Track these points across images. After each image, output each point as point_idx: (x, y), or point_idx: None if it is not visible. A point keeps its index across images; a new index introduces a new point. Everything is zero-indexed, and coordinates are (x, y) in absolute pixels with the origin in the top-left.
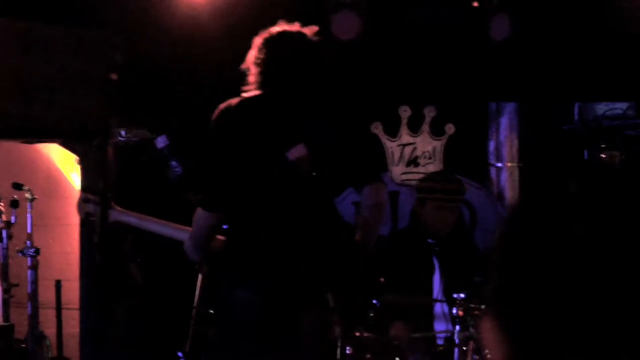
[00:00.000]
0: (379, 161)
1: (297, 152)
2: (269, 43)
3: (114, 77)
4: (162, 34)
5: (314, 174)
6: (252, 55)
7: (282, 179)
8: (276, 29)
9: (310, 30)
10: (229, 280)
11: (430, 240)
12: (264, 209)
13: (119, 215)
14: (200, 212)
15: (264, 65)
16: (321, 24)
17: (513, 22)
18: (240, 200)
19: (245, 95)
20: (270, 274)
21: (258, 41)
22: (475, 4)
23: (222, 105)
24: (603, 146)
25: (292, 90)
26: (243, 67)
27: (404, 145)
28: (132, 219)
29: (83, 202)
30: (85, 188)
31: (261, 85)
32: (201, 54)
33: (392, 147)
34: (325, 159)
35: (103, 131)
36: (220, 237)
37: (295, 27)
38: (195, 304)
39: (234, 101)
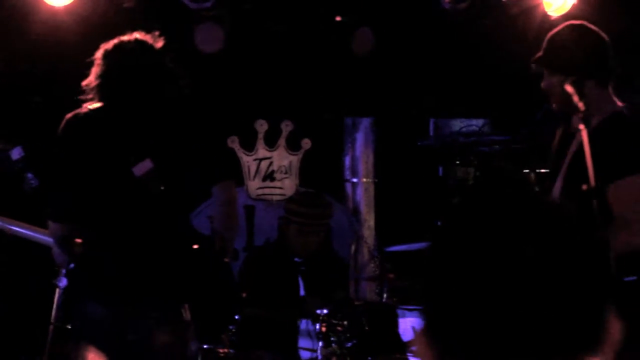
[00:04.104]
0: (235, 174)
1: (143, 167)
2: (107, 54)
3: None
4: (18, 41)
5: (162, 188)
6: (94, 68)
7: (129, 193)
8: (114, 41)
9: (152, 37)
10: (81, 294)
11: (296, 259)
12: (112, 224)
13: None
14: (49, 223)
15: (103, 76)
16: (184, 35)
17: (374, 37)
18: (88, 213)
19: (89, 106)
20: (119, 290)
21: (98, 54)
22: (338, 18)
23: (69, 116)
24: (457, 162)
25: (131, 100)
26: (85, 83)
27: (260, 160)
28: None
29: None
30: None
31: (101, 96)
32: (58, 62)
33: (248, 161)
34: (174, 171)
35: None
36: (79, 240)
37: (137, 36)
38: (52, 320)
39: (81, 111)
